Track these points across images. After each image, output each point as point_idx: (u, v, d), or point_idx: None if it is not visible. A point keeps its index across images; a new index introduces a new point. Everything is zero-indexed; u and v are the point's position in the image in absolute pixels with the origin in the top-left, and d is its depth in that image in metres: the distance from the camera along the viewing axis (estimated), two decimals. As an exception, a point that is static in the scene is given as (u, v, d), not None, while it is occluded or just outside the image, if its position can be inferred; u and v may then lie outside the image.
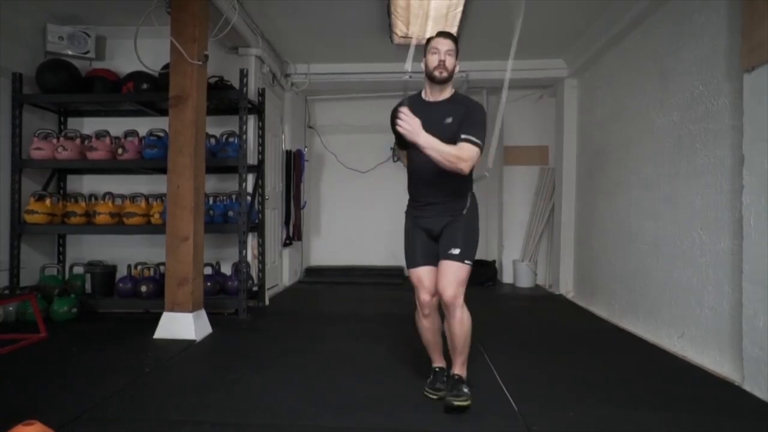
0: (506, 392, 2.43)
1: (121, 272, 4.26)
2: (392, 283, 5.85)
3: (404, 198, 2.50)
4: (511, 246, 6.11)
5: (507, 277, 6.12)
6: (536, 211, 5.92)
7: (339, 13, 4.22)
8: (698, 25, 3.10)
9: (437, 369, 2.49)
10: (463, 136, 2.18)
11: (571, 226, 5.32)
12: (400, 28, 4.33)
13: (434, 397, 2.35)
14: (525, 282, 5.83)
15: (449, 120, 2.26)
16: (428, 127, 2.18)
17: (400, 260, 6.41)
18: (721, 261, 2.83)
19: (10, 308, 3.83)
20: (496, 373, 2.70)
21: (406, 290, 5.43)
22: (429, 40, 2.34)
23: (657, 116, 3.56)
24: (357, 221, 6.62)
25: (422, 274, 2.37)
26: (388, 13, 4.05)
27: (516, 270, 5.94)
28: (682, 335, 3.16)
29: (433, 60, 2.28)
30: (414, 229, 2.41)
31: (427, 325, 2.44)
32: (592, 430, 2.06)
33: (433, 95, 2.35)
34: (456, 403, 2.18)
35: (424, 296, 2.36)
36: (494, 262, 6.19)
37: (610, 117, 4.42)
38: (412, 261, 2.40)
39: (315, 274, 6.32)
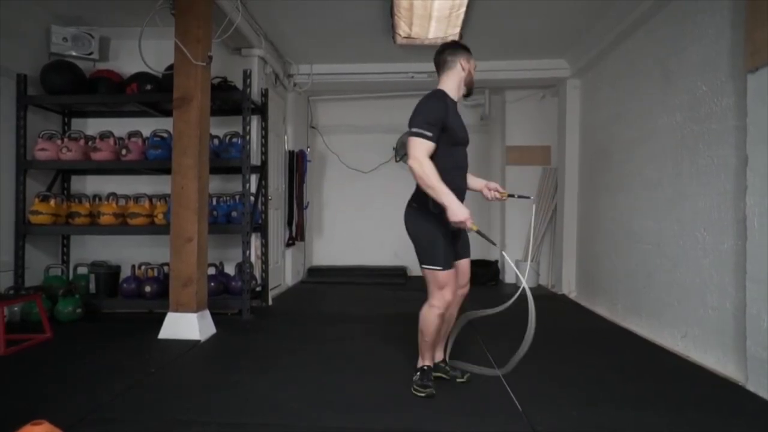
0: (510, 392, 2.44)
1: (125, 273, 4.28)
2: (395, 284, 5.84)
3: (407, 197, 2.48)
4: (513, 246, 6.11)
5: (509, 277, 6.12)
6: (538, 210, 5.92)
7: (341, 13, 4.22)
8: (701, 26, 3.10)
9: (433, 365, 2.55)
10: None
11: (574, 226, 5.32)
12: (402, 29, 4.33)
13: (422, 394, 2.37)
14: (527, 282, 5.81)
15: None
16: (463, 126, 2.45)
17: (402, 260, 6.53)
18: (724, 261, 2.83)
19: (15, 309, 3.84)
20: (499, 372, 2.70)
21: (408, 290, 5.49)
22: (470, 54, 2.47)
23: (660, 117, 3.56)
24: (359, 221, 6.62)
25: (454, 274, 2.43)
26: (391, 14, 4.05)
27: (518, 270, 5.92)
28: (685, 335, 3.17)
29: (474, 78, 2.49)
30: (441, 229, 2.36)
31: (446, 318, 2.51)
32: (596, 430, 2.07)
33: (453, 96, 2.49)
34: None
35: (451, 296, 2.40)
36: (496, 261, 6.19)
37: (613, 117, 4.42)
38: (448, 261, 2.39)
39: (317, 274, 6.33)
